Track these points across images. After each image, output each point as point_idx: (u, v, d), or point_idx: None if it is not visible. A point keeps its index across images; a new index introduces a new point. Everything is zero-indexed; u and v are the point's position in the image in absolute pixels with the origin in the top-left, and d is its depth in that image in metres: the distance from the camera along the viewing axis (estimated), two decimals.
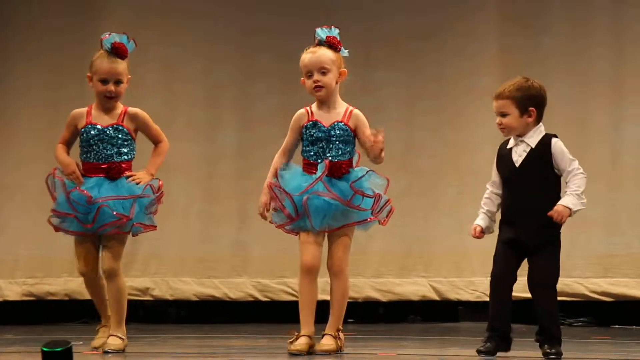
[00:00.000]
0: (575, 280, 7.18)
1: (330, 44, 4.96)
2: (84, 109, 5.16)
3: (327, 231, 4.94)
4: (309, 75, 4.95)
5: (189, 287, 7.56)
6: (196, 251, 7.58)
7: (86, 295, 7.56)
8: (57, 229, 5.15)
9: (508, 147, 4.89)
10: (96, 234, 5.07)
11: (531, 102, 4.77)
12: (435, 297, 7.41)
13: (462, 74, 7.42)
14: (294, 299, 7.45)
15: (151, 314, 7.69)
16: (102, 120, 5.10)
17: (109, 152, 5.08)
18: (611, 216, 7.22)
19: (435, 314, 7.51)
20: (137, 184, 5.06)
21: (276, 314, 7.46)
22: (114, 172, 5.07)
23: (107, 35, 5.14)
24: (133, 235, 5.13)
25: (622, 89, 7.27)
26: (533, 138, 4.79)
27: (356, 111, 5.03)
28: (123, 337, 5.12)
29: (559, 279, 7.09)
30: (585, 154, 7.20)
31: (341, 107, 5.01)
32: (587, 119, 7.29)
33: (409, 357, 5.16)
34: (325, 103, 4.99)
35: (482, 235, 4.92)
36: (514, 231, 4.78)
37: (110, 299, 5.15)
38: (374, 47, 7.53)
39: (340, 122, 4.97)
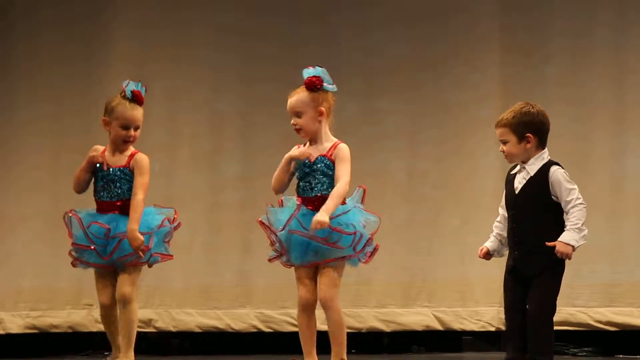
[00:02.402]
0: (580, 309, 7.14)
1: (307, 86, 5.06)
2: (102, 147, 5.41)
3: (310, 265, 5.01)
4: (291, 117, 5.10)
5: (192, 318, 7.53)
6: (199, 282, 7.56)
7: (90, 327, 7.61)
8: (75, 262, 5.34)
9: (513, 172, 4.89)
10: (115, 267, 5.26)
11: (528, 129, 4.75)
12: (439, 327, 7.37)
13: (464, 104, 7.42)
14: (297, 329, 7.40)
15: (154, 346, 7.65)
16: (112, 162, 5.35)
17: (120, 190, 5.32)
18: (615, 246, 7.20)
19: (439, 344, 7.46)
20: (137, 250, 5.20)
21: (279, 345, 7.42)
22: (127, 209, 5.26)
23: (128, 83, 5.38)
24: (149, 266, 5.35)
25: (624, 120, 7.27)
26: (534, 165, 4.77)
27: (341, 145, 5.07)
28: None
29: (563, 308, 7.14)
30: (587, 184, 7.19)
31: (329, 143, 5.08)
32: (588, 150, 7.27)
33: None
34: (312, 141, 5.10)
35: (487, 256, 4.92)
36: (513, 258, 4.79)
37: (121, 325, 5.26)
38: (377, 76, 7.54)
39: (324, 156, 5.04)
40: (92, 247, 5.23)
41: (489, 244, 4.89)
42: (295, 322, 7.28)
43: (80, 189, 5.45)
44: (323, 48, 7.44)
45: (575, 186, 4.74)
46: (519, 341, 4.74)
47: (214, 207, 7.63)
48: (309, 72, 5.09)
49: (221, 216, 7.62)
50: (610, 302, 7.16)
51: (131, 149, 5.40)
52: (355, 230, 4.93)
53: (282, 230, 4.99)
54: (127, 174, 5.32)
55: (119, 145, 5.37)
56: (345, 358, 5.02)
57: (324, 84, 5.06)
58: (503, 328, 7.23)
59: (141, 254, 5.21)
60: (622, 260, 7.19)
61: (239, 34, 7.68)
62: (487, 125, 7.28)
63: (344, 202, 5.01)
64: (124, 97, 5.37)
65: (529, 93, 7.18)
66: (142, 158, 5.36)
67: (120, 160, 5.35)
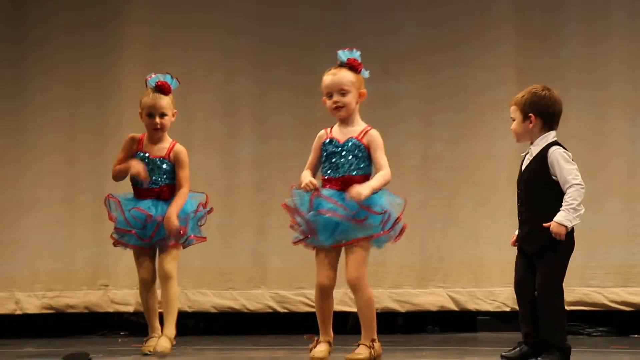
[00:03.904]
0: (595, 289, 7.16)
1: (351, 66, 5.09)
2: (139, 135, 5.75)
3: (340, 245, 5.05)
4: (330, 95, 5.09)
5: (207, 299, 7.57)
6: (215, 263, 7.59)
7: (106, 308, 7.66)
8: (116, 243, 5.73)
9: (523, 153, 4.96)
10: (153, 247, 5.69)
11: (531, 109, 4.83)
12: (454, 308, 7.40)
13: (480, 88, 7.43)
14: (312, 310, 7.42)
15: None
16: (152, 151, 5.71)
17: (158, 178, 5.70)
18: (630, 227, 7.21)
19: (454, 325, 7.50)
20: (173, 235, 5.60)
21: (295, 326, 7.45)
22: (165, 195, 5.68)
23: (152, 75, 5.74)
24: (184, 247, 5.73)
25: (639, 103, 7.26)
26: (538, 146, 4.84)
27: (372, 131, 5.12)
28: (172, 337, 5.65)
29: (577, 288, 7.15)
30: (603, 167, 7.21)
31: (359, 126, 5.13)
32: (604, 133, 7.27)
33: None
34: (344, 122, 5.13)
35: (517, 244, 4.96)
36: (519, 237, 4.87)
37: (163, 301, 5.68)
38: (392, 59, 7.54)
39: (354, 138, 5.07)
40: (133, 232, 5.61)
41: (518, 231, 4.92)
42: (311, 303, 7.41)
43: (120, 180, 5.78)
44: (338, 32, 7.43)
45: (574, 166, 4.77)
46: (531, 317, 4.78)
47: (228, 189, 7.65)
48: (347, 54, 5.11)
49: (236, 198, 7.65)
50: (625, 283, 7.18)
51: (169, 140, 5.73)
52: (384, 210, 4.97)
53: (309, 212, 5.00)
54: (167, 164, 5.68)
55: (152, 134, 5.70)
56: (376, 338, 5.09)
57: (362, 70, 5.12)
58: (518, 308, 7.28)
59: (175, 236, 5.57)
60: (638, 241, 7.20)
61: (253, 18, 7.69)
62: (502, 109, 7.29)
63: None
64: (149, 88, 5.72)
65: (545, 77, 7.17)
66: (181, 150, 5.72)
67: (160, 150, 5.69)
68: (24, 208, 7.74)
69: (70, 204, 7.76)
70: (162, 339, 5.62)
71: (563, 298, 4.79)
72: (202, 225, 5.77)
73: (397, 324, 7.57)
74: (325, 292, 5.09)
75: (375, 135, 5.09)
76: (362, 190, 4.87)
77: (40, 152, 7.76)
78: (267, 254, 7.52)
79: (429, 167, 7.49)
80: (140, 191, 5.70)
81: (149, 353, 5.64)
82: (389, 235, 5.02)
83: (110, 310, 7.62)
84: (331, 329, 5.15)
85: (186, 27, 7.74)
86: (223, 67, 7.70)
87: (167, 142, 5.73)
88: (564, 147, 4.82)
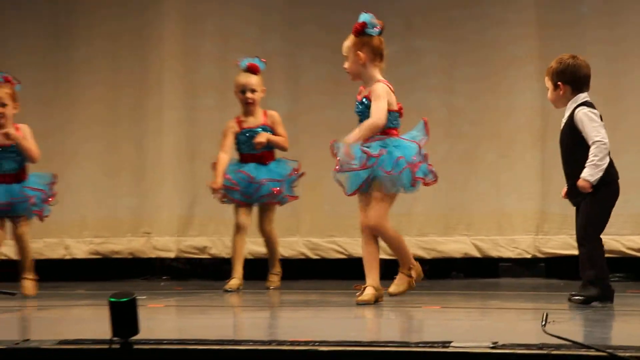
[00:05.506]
0: (612, 237, 7.21)
1: (353, 31, 5.36)
2: (234, 120, 6.68)
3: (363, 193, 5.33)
4: None
5: (245, 245, 7.79)
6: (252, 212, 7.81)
7: (149, 254, 7.88)
8: (222, 198, 6.67)
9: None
10: (253, 203, 6.63)
11: (559, 78, 5.16)
12: (477, 255, 7.55)
13: (501, 43, 7.48)
14: (342, 257, 7.65)
15: (209, 271, 7.93)
16: (251, 123, 6.66)
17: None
18: None
19: (477, 271, 7.65)
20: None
21: (326, 271, 7.68)
22: (265, 159, 6.62)
23: (242, 58, 6.68)
24: (281, 205, 6.73)
25: None
26: (569, 109, 5.19)
27: (376, 85, 5.30)
28: (278, 273, 6.77)
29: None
30: (621, 121, 7.26)
31: (371, 84, 5.35)
32: (622, 88, 7.34)
33: (452, 309, 5.44)
34: (364, 83, 5.37)
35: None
36: (566, 192, 5.25)
37: (268, 248, 6.78)
38: (415, 15, 7.59)
39: (365, 96, 5.33)
40: (237, 188, 6.54)
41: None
42: (341, 249, 7.65)
43: None
44: None
45: (597, 123, 5.08)
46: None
47: None
48: (359, 18, 5.36)
49: None
50: None
51: (261, 110, 6.64)
52: (380, 151, 5.22)
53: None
54: (268, 130, 6.61)
55: (245, 108, 6.63)
56: (415, 262, 5.43)
57: (366, 29, 5.31)
58: (539, 255, 7.50)
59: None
60: None
61: None
62: (523, 64, 7.36)
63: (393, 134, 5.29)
64: (241, 69, 6.63)
65: (565, 34, 7.27)
66: (274, 113, 6.68)
67: (257, 120, 6.63)
68: (69, 157, 7.93)
69: (113, 153, 7.95)
70: (271, 276, 6.71)
71: (600, 240, 5.15)
72: (295, 187, 6.64)
73: (423, 270, 7.73)
74: (363, 233, 5.31)
75: (375, 87, 5.28)
76: (346, 139, 5.19)
77: (84, 103, 7.95)
78: (300, 205, 7.56)
79: (452, 121, 7.55)
80: (246, 156, 6.63)
81: (229, 290, 6.45)
82: (394, 176, 5.23)
83: (153, 256, 7.85)
84: (377, 275, 5.31)
85: None
86: (257, 23, 7.79)
87: (260, 112, 6.62)
88: (590, 107, 5.12)
